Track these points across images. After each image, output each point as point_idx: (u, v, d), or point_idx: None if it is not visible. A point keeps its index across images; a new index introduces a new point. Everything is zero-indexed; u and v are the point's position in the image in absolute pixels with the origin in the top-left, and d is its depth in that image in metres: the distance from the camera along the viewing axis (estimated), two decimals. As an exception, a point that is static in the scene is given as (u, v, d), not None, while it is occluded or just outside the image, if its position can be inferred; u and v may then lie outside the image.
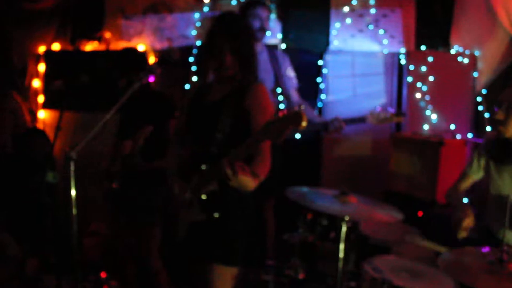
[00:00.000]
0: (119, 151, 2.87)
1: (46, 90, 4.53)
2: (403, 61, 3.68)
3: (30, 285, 3.34)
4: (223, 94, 2.07)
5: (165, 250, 3.42)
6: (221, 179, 1.79)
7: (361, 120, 3.13)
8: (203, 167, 1.95)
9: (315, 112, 3.58)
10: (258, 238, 2.15)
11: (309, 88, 3.73)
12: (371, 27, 3.76)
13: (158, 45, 4.12)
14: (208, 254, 2.02)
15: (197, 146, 2.09)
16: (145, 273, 2.92)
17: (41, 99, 4.56)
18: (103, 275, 3.53)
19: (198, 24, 4.00)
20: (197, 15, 4.01)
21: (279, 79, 3.22)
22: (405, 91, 3.68)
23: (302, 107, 1.51)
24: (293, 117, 1.54)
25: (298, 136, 3.40)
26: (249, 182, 1.79)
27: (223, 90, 2.07)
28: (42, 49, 4.53)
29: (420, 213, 3.15)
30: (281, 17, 3.87)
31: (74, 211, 2.32)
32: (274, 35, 3.84)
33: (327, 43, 3.86)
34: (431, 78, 3.55)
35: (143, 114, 2.78)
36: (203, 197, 1.97)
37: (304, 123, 1.51)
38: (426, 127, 3.57)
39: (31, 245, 3.41)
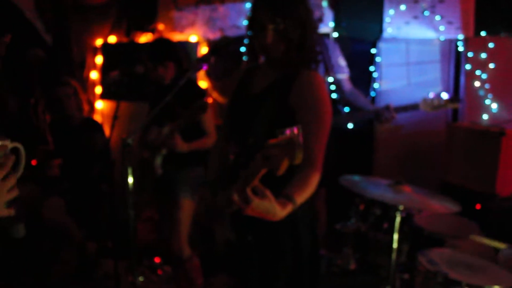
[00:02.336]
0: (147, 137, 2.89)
1: (103, 81, 4.71)
2: (461, 48, 3.53)
3: (89, 267, 3.50)
4: (266, 84, 1.71)
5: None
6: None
7: (413, 107, 3.04)
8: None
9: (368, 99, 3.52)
10: (310, 258, 1.70)
11: (362, 77, 3.65)
12: (427, 13, 3.63)
13: (211, 36, 4.17)
14: (251, 280, 1.68)
15: (235, 149, 1.74)
16: (175, 257, 2.86)
17: (98, 90, 4.74)
18: (157, 260, 3.65)
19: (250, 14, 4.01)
20: (248, 4, 4.01)
21: (329, 68, 3.18)
22: (462, 80, 3.54)
23: (298, 131, 1.09)
24: (286, 145, 1.10)
25: (350, 125, 3.36)
26: (274, 210, 1.31)
27: (267, 79, 1.72)
28: (99, 42, 4.70)
29: (478, 206, 3.04)
30: (333, 5, 3.81)
31: (131, 197, 2.39)
32: (326, 24, 3.78)
33: (380, 30, 3.76)
34: (491, 65, 3.39)
35: (174, 101, 2.57)
36: (233, 214, 1.53)
37: (298, 155, 1.08)
38: (485, 116, 3.42)
39: (89, 230, 3.57)
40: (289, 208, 1.38)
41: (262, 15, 1.62)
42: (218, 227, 1.71)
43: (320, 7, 3.06)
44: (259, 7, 1.65)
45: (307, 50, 1.67)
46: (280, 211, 1.34)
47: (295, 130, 1.10)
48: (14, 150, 1.08)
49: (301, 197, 1.44)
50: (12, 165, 1.06)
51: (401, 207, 2.18)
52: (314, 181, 1.49)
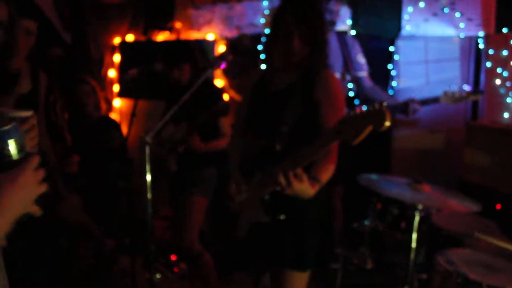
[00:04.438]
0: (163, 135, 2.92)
1: (121, 80, 4.74)
2: (481, 45, 3.48)
3: (107, 264, 3.54)
4: (288, 82, 1.89)
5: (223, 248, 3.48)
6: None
7: (434, 100, 2.99)
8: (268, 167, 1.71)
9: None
10: (329, 235, 1.95)
11: (380, 75, 3.61)
12: (446, 10, 3.58)
13: (228, 34, 4.17)
14: (278, 259, 1.88)
15: (260, 140, 1.92)
16: (186, 253, 2.90)
17: (116, 88, 4.78)
18: (173, 257, 3.67)
19: (266, 12, 4.00)
20: (265, 3, 4.01)
21: (348, 65, 3.16)
22: (483, 77, 3.49)
23: (385, 103, 1.36)
24: (374, 116, 1.33)
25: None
26: (307, 190, 1.61)
27: (289, 77, 1.90)
28: (117, 40, 4.73)
29: (498, 206, 2.99)
30: (350, 3, 3.78)
31: (149, 195, 2.41)
32: (343, 21, 3.76)
33: (398, 28, 3.72)
34: (513, 63, 3.34)
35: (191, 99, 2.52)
36: (266, 197, 1.80)
37: (387, 123, 1.30)
38: (506, 115, 3.36)
39: (107, 227, 3.60)
40: (317, 188, 1.66)
41: (288, 22, 1.80)
42: (244, 212, 1.90)
43: (332, 12, 3.03)
44: (285, 14, 1.82)
45: (326, 52, 1.88)
46: (311, 191, 1.63)
47: (377, 105, 1.34)
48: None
49: (325, 177, 1.73)
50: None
51: (420, 206, 2.16)
52: (333, 162, 1.75)
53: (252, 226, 1.89)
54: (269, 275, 2.04)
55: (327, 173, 1.73)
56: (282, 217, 1.83)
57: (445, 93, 2.93)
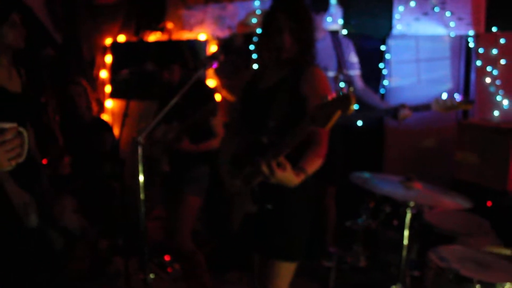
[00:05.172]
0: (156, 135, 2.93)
1: (112, 80, 4.73)
2: (471, 44, 3.51)
3: (101, 264, 3.53)
4: (277, 78, 1.95)
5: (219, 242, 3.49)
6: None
7: (425, 107, 3.01)
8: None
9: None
10: (318, 228, 2.02)
11: (371, 74, 3.64)
12: (437, 9, 3.61)
13: (220, 34, 4.18)
14: (266, 249, 1.96)
15: (250, 134, 1.98)
16: (178, 253, 2.90)
17: (108, 89, 4.77)
18: (166, 258, 3.67)
19: (258, 12, 4.01)
20: (257, 3, 4.02)
21: (342, 65, 3.17)
22: (473, 76, 3.51)
23: (351, 89, 1.37)
24: (341, 101, 1.38)
25: (360, 123, 3.35)
26: (291, 178, 1.67)
27: (278, 74, 1.96)
28: (108, 41, 4.72)
29: (489, 203, 3.02)
30: (342, 2, 3.80)
31: (142, 195, 2.41)
32: (335, 21, 3.77)
33: (390, 27, 3.75)
34: (503, 61, 3.36)
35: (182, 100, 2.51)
36: (255, 188, 1.86)
37: (352, 107, 1.35)
38: (496, 113, 3.39)
39: (101, 228, 3.59)
40: (302, 177, 1.71)
41: (279, 19, 1.88)
42: (237, 204, 1.96)
43: None
44: (276, 12, 1.90)
45: (313, 51, 1.95)
46: (295, 180, 1.68)
47: (345, 90, 1.40)
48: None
49: (312, 168, 1.77)
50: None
51: (411, 204, 2.17)
52: (321, 155, 1.80)
53: (243, 217, 1.96)
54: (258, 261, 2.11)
55: (313, 165, 1.78)
56: (270, 206, 1.89)
57: (437, 101, 2.94)
